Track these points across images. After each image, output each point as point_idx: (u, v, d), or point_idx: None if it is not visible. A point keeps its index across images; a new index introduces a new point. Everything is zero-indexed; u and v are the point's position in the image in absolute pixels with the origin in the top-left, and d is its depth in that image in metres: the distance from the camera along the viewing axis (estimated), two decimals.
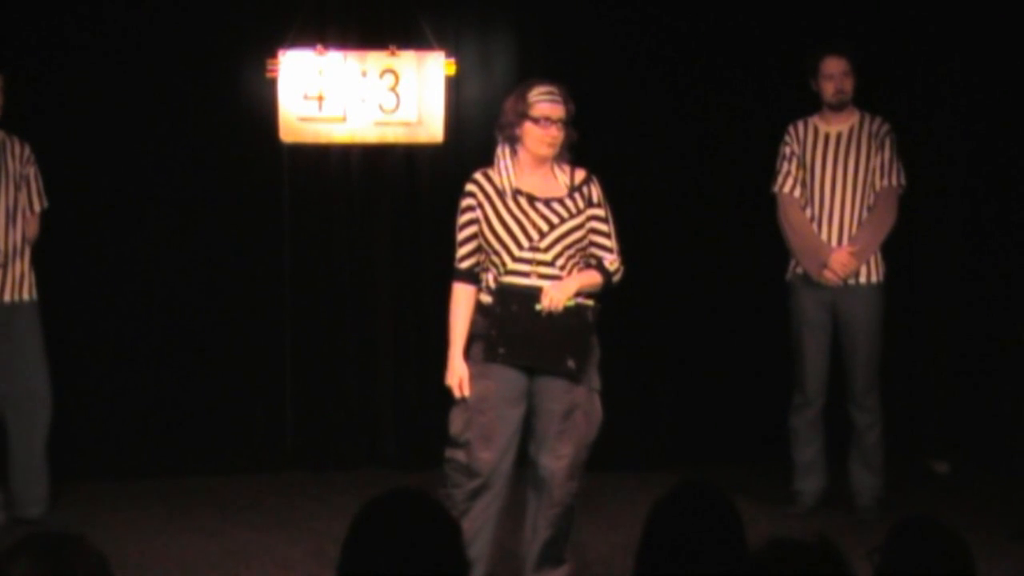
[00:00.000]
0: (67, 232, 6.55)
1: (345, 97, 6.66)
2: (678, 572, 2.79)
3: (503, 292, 4.73)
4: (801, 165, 6.20)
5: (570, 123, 4.83)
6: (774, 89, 6.92)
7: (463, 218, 4.85)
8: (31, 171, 6.11)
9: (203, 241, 6.93)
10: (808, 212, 6.18)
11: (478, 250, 4.83)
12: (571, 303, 4.72)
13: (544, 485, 4.81)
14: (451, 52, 6.82)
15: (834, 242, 6.13)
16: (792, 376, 6.32)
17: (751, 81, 7.06)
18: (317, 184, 7.03)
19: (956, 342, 7.24)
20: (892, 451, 6.31)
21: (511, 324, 4.70)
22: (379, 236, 7.09)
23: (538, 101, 4.77)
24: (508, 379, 4.75)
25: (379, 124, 6.73)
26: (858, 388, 6.19)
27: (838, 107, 6.16)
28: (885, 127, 6.18)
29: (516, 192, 4.80)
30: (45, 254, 6.23)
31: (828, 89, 6.15)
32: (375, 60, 6.70)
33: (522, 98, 4.79)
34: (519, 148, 4.82)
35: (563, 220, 4.79)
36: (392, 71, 6.68)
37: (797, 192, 6.19)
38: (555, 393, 4.76)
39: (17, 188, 6.05)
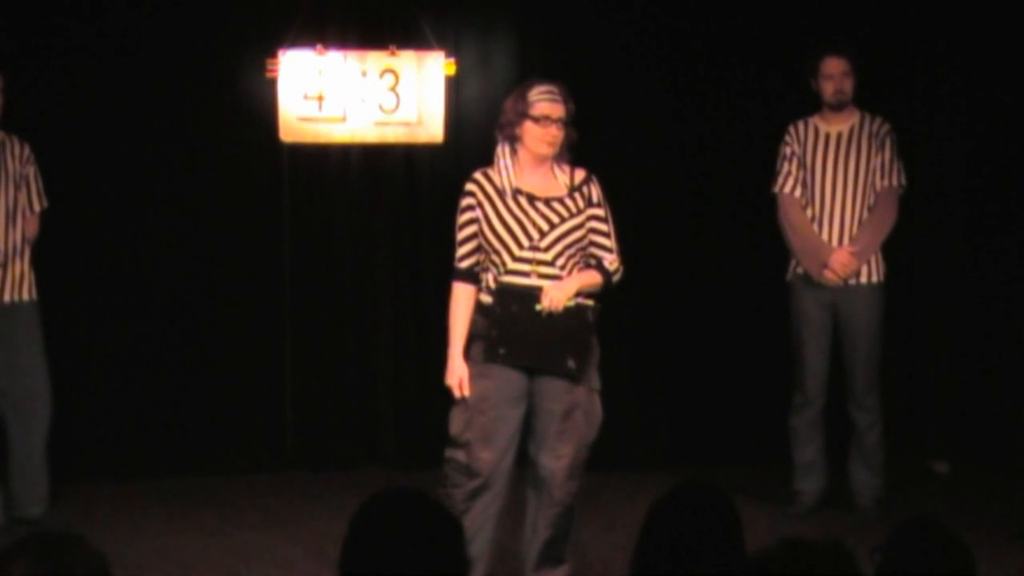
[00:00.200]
0: (67, 232, 6.55)
1: (345, 97, 6.66)
2: (676, 571, 2.79)
3: (503, 292, 4.73)
4: (801, 165, 6.19)
5: (570, 123, 4.83)
6: (774, 89, 6.92)
7: (463, 217, 4.85)
8: (31, 171, 6.11)
9: (203, 241, 6.93)
10: (808, 212, 6.17)
11: (478, 250, 4.83)
12: (571, 303, 4.72)
13: (544, 485, 4.81)
14: (451, 52, 6.82)
15: (835, 242, 6.13)
16: (792, 376, 6.32)
17: (751, 81, 7.06)
18: (317, 184, 7.03)
19: (956, 342, 7.24)
20: (892, 451, 6.32)
21: (511, 324, 4.70)
22: (379, 236, 7.09)
23: (538, 100, 4.77)
24: (508, 379, 4.75)
25: (379, 124, 6.73)
26: (858, 388, 6.19)
27: (838, 107, 6.16)
28: (885, 127, 6.18)
29: (516, 192, 4.80)
30: (45, 254, 6.23)
31: (828, 89, 6.15)
32: (375, 60, 6.69)
33: (522, 97, 4.79)
34: (519, 147, 4.83)
35: (563, 220, 4.79)
36: (392, 71, 6.67)
37: (798, 192, 6.19)
38: (555, 393, 4.76)
39: (17, 188, 6.05)
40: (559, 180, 4.86)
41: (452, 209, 4.93)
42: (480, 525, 4.74)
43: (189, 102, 6.80)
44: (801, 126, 6.24)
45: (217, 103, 6.83)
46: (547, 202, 4.80)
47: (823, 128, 6.20)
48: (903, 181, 6.17)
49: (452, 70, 6.75)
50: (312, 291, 7.05)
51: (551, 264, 4.76)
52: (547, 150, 4.80)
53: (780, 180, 6.22)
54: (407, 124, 6.72)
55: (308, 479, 6.91)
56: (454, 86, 6.84)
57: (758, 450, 6.93)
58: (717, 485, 2.98)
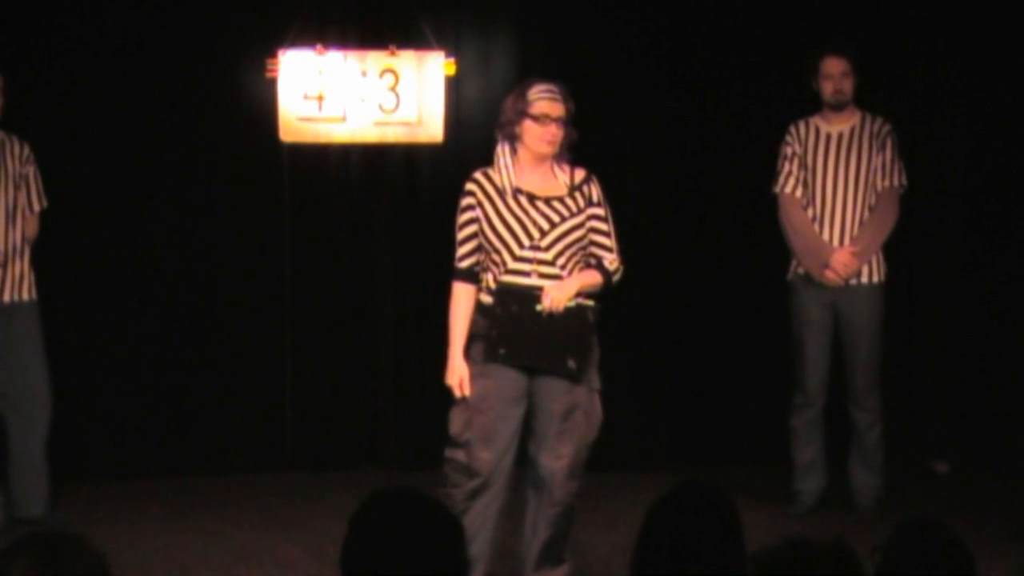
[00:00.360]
0: (67, 232, 6.55)
1: (345, 97, 6.65)
2: (676, 571, 2.79)
3: (503, 292, 4.73)
4: (802, 165, 6.19)
5: (570, 122, 4.83)
6: (774, 89, 6.92)
7: (463, 217, 4.85)
8: (31, 171, 6.11)
9: (203, 241, 6.92)
10: (810, 212, 6.17)
11: (478, 249, 4.83)
12: (571, 303, 4.72)
13: (544, 485, 4.81)
14: (451, 52, 6.82)
15: (835, 242, 6.12)
16: (792, 376, 6.32)
17: (751, 81, 7.06)
18: (317, 184, 7.02)
19: (956, 342, 7.24)
20: (892, 451, 6.32)
21: (511, 324, 4.70)
22: (379, 236, 7.09)
23: (538, 99, 4.77)
24: (508, 379, 4.75)
25: (379, 124, 6.72)
26: (859, 388, 6.18)
27: (837, 107, 6.16)
28: (886, 127, 6.18)
29: (516, 191, 4.80)
30: (45, 254, 6.23)
31: (827, 89, 6.15)
32: (375, 60, 6.69)
33: (522, 96, 4.79)
34: (519, 147, 4.83)
35: (564, 219, 4.79)
36: (392, 71, 6.67)
37: (799, 192, 6.19)
38: (555, 393, 4.76)
39: (17, 188, 6.05)
40: (559, 180, 4.86)
41: (452, 209, 4.92)
42: (480, 525, 4.74)
43: (189, 102, 6.80)
44: (802, 126, 6.23)
45: (217, 103, 6.83)
46: (547, 201, 4.80)
47: (824, 128, 6.20)
48: (904, 181, 6.17)
49: (452, 70, 6.74)
50: (312, 291, 7.05)
51: (552, 264, 4.75)
52: (547, 149, 4.80)
53: (781, 180, 6.22)
54: (407, 124, 6.72)
55: (308, 479, 6.91)
56: (454, 86, 6.84)
57: (758, 450, 6.93)
58: (717, 485, 2.97)
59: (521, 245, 4.75)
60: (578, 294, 4.75)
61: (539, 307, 4.69)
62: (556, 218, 4.78)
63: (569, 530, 4.88)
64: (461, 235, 4.86)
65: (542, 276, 4.73)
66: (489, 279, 4.80)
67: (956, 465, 7.07)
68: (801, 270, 6.20)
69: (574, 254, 4.80)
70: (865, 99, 6.24)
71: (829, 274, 6.09)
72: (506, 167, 4.84)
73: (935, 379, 7.25)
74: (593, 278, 4.81)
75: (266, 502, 6.49)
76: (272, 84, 6.64)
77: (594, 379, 4.83)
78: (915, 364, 7.17)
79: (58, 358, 6.23)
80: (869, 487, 6.20)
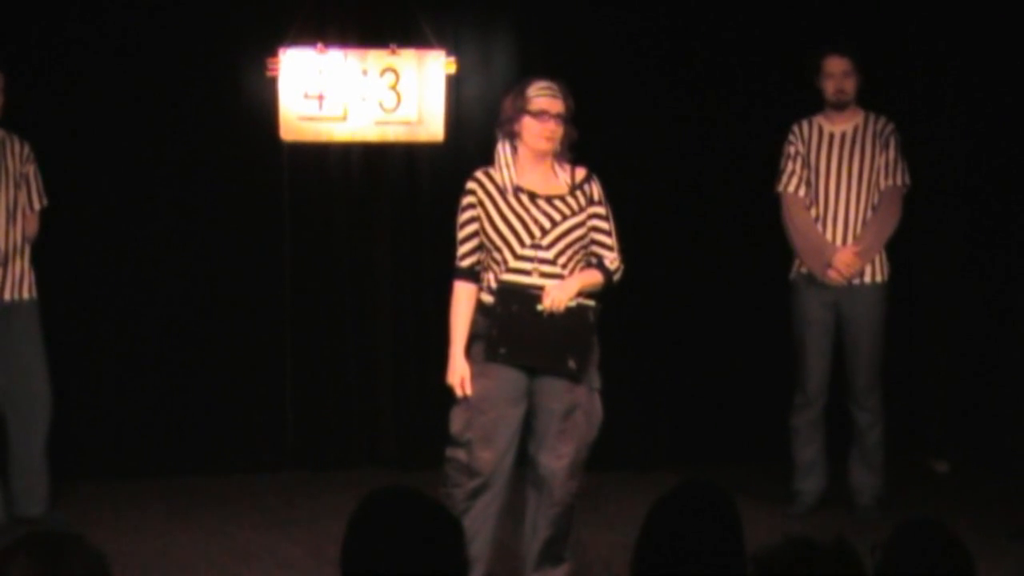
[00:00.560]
0: (67, 231, 6.55)
1: (345, 96, 6.65)
2: (676, 571, 2.79)
3: (504, 292, 4.73)
4: (805, 164, 6.19)
5: (570, 120, 4.83)
6: (774, 89, 6.92)
7: (464, 216, 4.85)
8: (31, 169, 6.11)
9: (203, 240, 6.92)
10: (812, 212, 6.17)
11: (479, 248, 4.83)
12: (572, 303, 4.72)
13: (544, 484, 4.80)
14: (451, 51, 6.82)
15: (839, 242, 6.12)
16: (793, 375, 6.31)
17: (751, 81, 7.06)
18: (317, 183, 7.02)
19: (956, 342, 7.24)
20: (892, 450, 6.32)
21: (512, 324, 4.70)
22: (379, 235, 7.09)
23: (536, 96, 4.77)
24: (509, 378, 4.75)
25: (379, 123, 6.73)
26: (860, 387, 6.18)
27: (839, 106, 6.16)
28: (889, 127, 6.18)
29: (517, 189, 4.80)
30: (45, 253, 6.23)
31: (829, 88, 6.15)
32: (375, 59, 6.69)
33: (521, 94, 4.80)
34: (519, 145, 4.82)
35: (565, 218, 4.79)
36: (392, 70, 6.67)
37: (802, 192, 6.19)
38: (556, 392, 4.76)
39: (17, 186, 6.05)
40: (560, 178, 4.86)
41: (453, 208, 4.92)
42: (480, 524, 4.74)
43: (189, 102, 6.80)
44: (805, 125, 6.23)
45: (217, 102, 6.83)
46: (548, 200, 4.80)
47: (827, 127, 6.20)
48: (907, 180, 6.17)
49: (453, 69, 6.75)
50: (312, 290, 7.04)
51: (552, 262, 4.75)
52: (545, 145, 4.80)
53: (784, 179, 6.22)
54: (407, 123, 6.72)
55: (308, 479, 6.91)
56: (454, 85, 6.84)
57: (758, 450, 6.93)
58: (718, 484, 2.97)
59: (522, 244, 4.75)
60: (579, 293, 4.75)
61: (540, 307, 4.69)
62: (557, 217, 4.78)
63: (569, 530, 4.88)
64: (462, 234, 4.86)
65: (543, 275, 4.73)
66: (490, 278, 4.80)
67: (956, 465, 7.07)
68: (804, 270, 6.19)
69: (575, 253, 4.80)
70: (865, 99, 6.24)
71: (832, 274, 6.09)
72: (507, 166, 4.84)
73: (935, 379, 7.25)
74: (594, 277, 4.81)
75: (266, 502, 6.49)
76: (272, 83, 6.64)
77: (594, 379, 4.83)
78: (915, 364, 7.17)
79: (58, 358, 6.23)
80: (869, 487, 6.20)
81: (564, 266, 4.77)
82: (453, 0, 7.04)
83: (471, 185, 4.86)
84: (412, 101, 6.68)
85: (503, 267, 4.76)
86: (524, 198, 4.79)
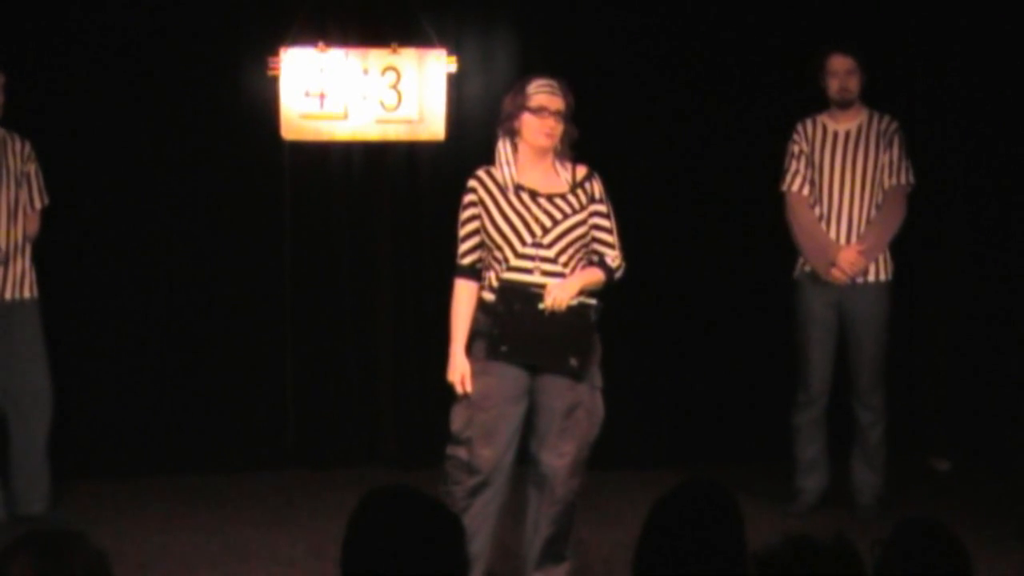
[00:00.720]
0: (68, 230, 6.55)
1: (346, 94, 6.65)
2: (678, 570, 2.80)
3: (506, 290, 4.73)
4: (809, 163, 6.19)
5: (570, 118, 4.83)
6: (776, 88, 6.92)
7: (465, 214, 4.85)
8: (32, 168, 6.12)
9: (204, 239, 6.92)
10: (816, 210, 6.17)
11: (480, 246, 4.83)
12: (574, 302, 4.72)
13: (545, 483, 4.80)
14: (452, 49, 6.82)
15: (842, 240, 6.12)
16: (795, 374, 6.31)
17: (753, 80, 7.06)
18: (318, 182, 7.02)
19: (956, 342, 7.24)
20: (893, 449, 6.32)
21: (514, 322, 4.70)
22: (380, 234, 7.09)
23: (536, 93, 4.78)
24: (510, 376, 4.75)
25: (380, 121, 6.72)
26: (863, 386, 6.18)
27: (843, 105, 6.16)
28: (893, 125, 6.18)
29: (518, 187, 4.80)
30: (46, 252, 6.23)
31: (832, 86, 6.15)
32: (376, 57, 6.69)
33: (521, 91, 4.80)
34: (519, 142, 4.82)
35: (566, 216, 4.79)
36: (393, 68, 6.67)
37: (806, 191, 6.18)
38: (557, 391, 4.76)
39: (18, 185, 6.05)
40: (561, 176, 4.86)
41: (454, 207, 4.92)
42: (481, 523, 4.74)
43: (190, 101, 6.80)
44: (809, 124, 6.23)
45: (218, 101, 6.83)
46: (549, 198, 4.80)
47: (831, 126, 6.20)
48: (911, 179, 6.17)
49: (454, 67, 6.74)
50: (312, 289, 7.05)
51: (554, 261, 4.75)
52: (545, 142, 4.79)
53: (788, 178, 6.22)
54: (408, 122, 6.72)
55: (309, 477, 6.91)
56: (456, 83, 6.84)
57: (760, 448, 6.93)
58: (719, 483, 2.97)
59: (523, 242, 4.75)
60: (580, 292, 4.74)
61: (541, 305, 4.69)
62: (558, 215, 4.78)
63: (570, 528, 4.88)
64: (463, 232, 4.86)
65: (544, 273, 4.73)
66: (491, 276, 4.80)
67: (957, 464, 7.07)
68: (807, 268, 6.19)
69: (576, 251, 4.80)
70: (866, 99, 6.23)
71: (836, 272, 6.09)
72: (507, 164, 4.84)
73: (936, 378, 7.25)
74: (595, 276, 4.81)
75: (267, 500, 6.49)
76: (274, 82, 6.64)
77: (596, 377, 4.83)
78: (916, 363, 7.17)
79: (59, 356, 6.24)
80: (870, 486, 6.20)
81: (565, 264, 4.77)
82: None
83: (472, 184, 4.86)
84: (413, 100, 6.68)
85: (504, 265, 4.76)
86: (525, 196, 4.79)
